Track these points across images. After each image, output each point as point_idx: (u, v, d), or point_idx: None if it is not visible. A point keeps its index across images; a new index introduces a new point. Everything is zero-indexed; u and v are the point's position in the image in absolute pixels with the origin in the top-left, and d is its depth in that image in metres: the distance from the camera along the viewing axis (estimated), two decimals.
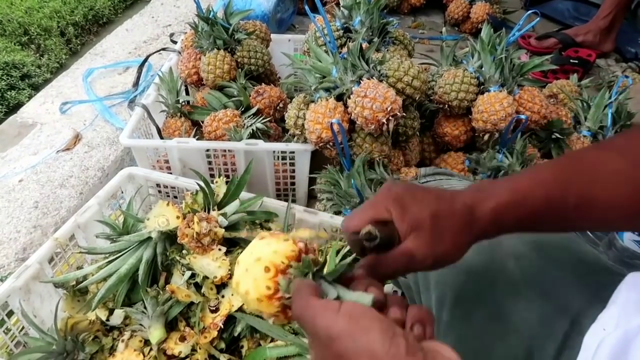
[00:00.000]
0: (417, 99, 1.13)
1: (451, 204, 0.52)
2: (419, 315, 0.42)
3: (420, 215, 0.50)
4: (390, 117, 1.01)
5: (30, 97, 1.80)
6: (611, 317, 0.56)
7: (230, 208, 0.90)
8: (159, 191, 1.12)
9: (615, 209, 0.52)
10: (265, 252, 0.45)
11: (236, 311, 0.82)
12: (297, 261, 0.45)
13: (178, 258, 0.86)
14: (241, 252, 0.88)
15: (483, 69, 1.17)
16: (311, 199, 1.35)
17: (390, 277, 0.52)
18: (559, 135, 1.23)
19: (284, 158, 1.21)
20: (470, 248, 0.53)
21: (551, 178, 0.54)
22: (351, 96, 1.05)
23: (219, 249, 0.85)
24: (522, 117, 1.11)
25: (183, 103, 1.37)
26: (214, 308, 0.84)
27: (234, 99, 1.33)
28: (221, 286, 0.86)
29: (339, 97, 1.10)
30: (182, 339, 0.82)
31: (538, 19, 1.23)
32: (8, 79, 1.82)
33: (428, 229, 0.49)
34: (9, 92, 1.79)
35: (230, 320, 0.84)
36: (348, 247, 0.86)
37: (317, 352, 0.40)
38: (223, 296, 0.85)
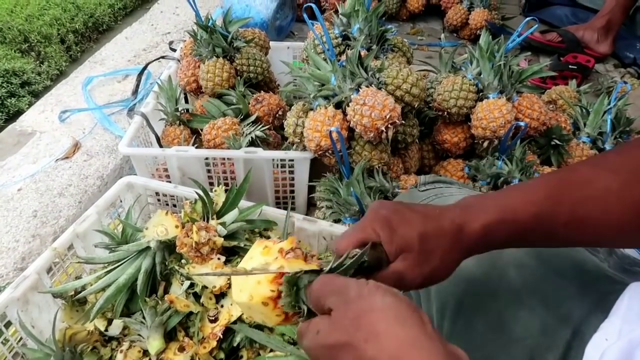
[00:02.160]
0: (416, 106, 1.13)
1: (439, 223, 0.52)
2: None
3: (409, 236, 0.50)
4: (389, 125, 1.01)
5: (30, 104, 1.80)
6: (613, 326, 0.55)
7: (229, 217, 0.90)
8: (158, 200, 1.12)
9: (606, 227, 0.53)
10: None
11: (234, 322, 0.81)
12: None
13: (177, 267, 0.85)
14: (240, 260, 0.88)
15: (482, 76, 1.17)
16: (311, 207, 1.34)
17: None
18: (558, 142, 1.23)
19: (283, 166, 1.21)
20: (459, 263, 0.54)
21: (542, 195, 0.54)
22: (350, 104, 1.05)
23: (218, 258, 0.84)
24: (521, 123, 1.11)
25: (182, 111, 1.37)
26: (213, 318, 0.83)
27: (233, 106, 1.33)
28: (220, 296, 0.85)
29: (338, 105, 1.10)
30: (181, 349, 0.82)
31: (536, 25, 1.23)
32: (8, 86, 1.82)
33: (416, 250, 0.50)
34: (9, 100, 1.79)
35: (229, 330, 0.83)
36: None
37: (338, 314, 0.41)
38: (222, 306, 0.85)
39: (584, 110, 1.33)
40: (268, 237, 0.99)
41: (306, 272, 0.44)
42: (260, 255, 0.45)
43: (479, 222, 0.53)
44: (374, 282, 0.41)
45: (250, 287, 0.43)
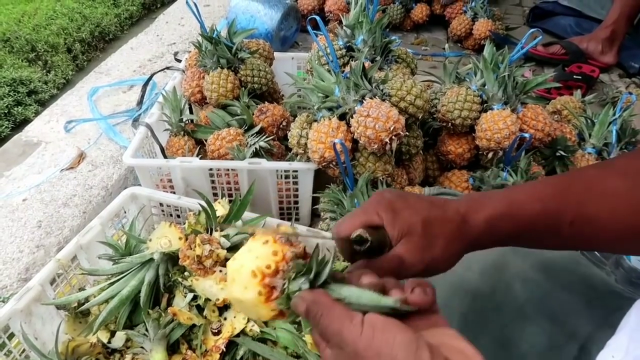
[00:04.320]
0: (420, 117, 1.13)
1: (444, 211, 0.52)
2: (416, 281, 0.43)
3: (412, 220, 0.50)
4: (393, 137, 1.01)
5: (36, 113, 1.82)
6: (620, 343, 0.55)
7: (232, 229, 0.90)
8: (162, 211, 1.12)
9: (611, 229, 0.52)
10: (247, 259, 0.44)
11: (237, 335, 0.81)
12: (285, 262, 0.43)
13: (180, 280, 0.85)
14: None
15: (486, 87, 1.17)
16: (315, 218, 1.34)
17: None
18: (563, 153, 1.22)
19: (287, 177, 1.21)
20: (462, 255, 0.53)
21: (549, 193, 0.54)
22: (354, 116, 1.05)
23: (220, 271, 0.84)
24: (526, 135, 1.11)
25: (186, 122, 1.38)
26: (216, 330, 0.83)
27: (237, 117, 1.34)
28: (223, 308, 0.85)
29: (342, 117, 1.10)
30: None
31: (540, 37, 1.23)
32: (15, 95, 1.84)
33: (419, 234, 0.49)
34: (15, 108, 1.81)
35: (232, 342, 0.83)
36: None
37: None
38: (225, 318, 0.84)
39: (589, 121, 1.33)
40: None
41: (295, 277, 0.43)
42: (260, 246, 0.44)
43: (484, 214, 0.52)
44: (371, 325, 0.39)
45: (244, 280, 0.42)
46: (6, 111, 1.78)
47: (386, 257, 0.50)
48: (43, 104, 1.90)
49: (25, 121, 1.77)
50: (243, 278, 0.42)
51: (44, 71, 2.07)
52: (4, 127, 1.73)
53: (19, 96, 1.85)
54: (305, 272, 0.43)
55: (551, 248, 0.62)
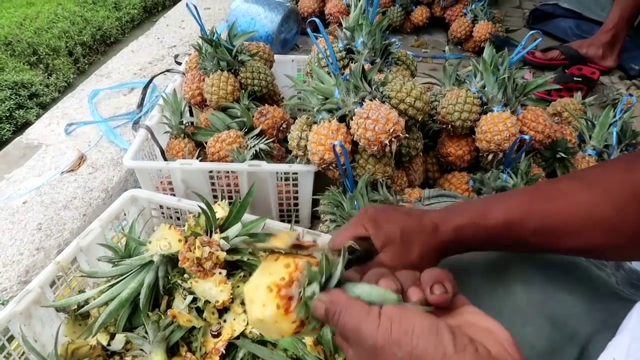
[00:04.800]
0: (419, 119, 1.13)
1: (420, 221, 0.59)
2: (434, 276, 0.43)
3: (392, 231, 0.57)
4: (393, 139, 1.00)
5: (38, 116, 1.82)
6: (621, 346, 0.55)
7: (232, 231, 0.90)
8: (162, 213, 1.12)
9: (573, 240, 0.56)
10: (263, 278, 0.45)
11: (237, 337, 0.81)
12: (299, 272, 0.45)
13: (180, 282, 0.85)
14: (243, 275, 0.87)
15: (486, 89, 1.17)
16: (315, 220, 1.34)
17: None
18: (563, 155, 1.22)
19: (287, 179, 1.21)
20: (437, 259, 0.60)
21: (514, 204, 0.59)
22: (354, 118, 1.05)
23: (220, 273, 0.84)
24: (526, 137, 1.11)
25: (187, 124, 1.38)
26: (215, 333, 0.83)
27: (237, 119, 1.34)
28: (223, 310, 0.85)
29: (342, 119, 1.10)
30: None
31: (540, 39, 1.23)
32: (16, 98, 1.85)
33: (398, 243, 0.57)
34: (17, 111, 1.81)
35: (232, 345, 0.83)
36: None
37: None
38: (225, 321, 0.84)
39: (589, 123, 1.33)
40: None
41: (309, 283, 0.44)
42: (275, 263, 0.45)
43: (452, 223, 0.59)
44: (388, 317, 0.39)
45: (263, 298, 0.43)
46: (8, 114, 1.78)
47: (373, 263, 0.57)
48: (44, 107, 1.91)
49: (27, 124, 1.77)
50: (260, 296, 0.43)
51: (46, 74, 2.08)
52: (5, 130, 1.74)
53: (21, 99, 1.86)
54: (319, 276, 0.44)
55: (520, 252, 0.67)
